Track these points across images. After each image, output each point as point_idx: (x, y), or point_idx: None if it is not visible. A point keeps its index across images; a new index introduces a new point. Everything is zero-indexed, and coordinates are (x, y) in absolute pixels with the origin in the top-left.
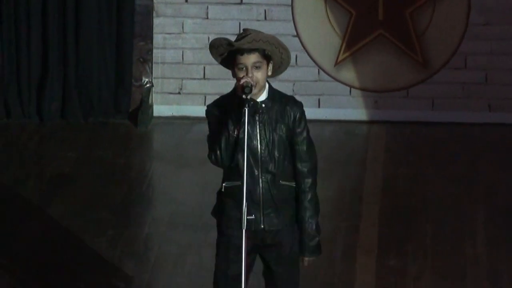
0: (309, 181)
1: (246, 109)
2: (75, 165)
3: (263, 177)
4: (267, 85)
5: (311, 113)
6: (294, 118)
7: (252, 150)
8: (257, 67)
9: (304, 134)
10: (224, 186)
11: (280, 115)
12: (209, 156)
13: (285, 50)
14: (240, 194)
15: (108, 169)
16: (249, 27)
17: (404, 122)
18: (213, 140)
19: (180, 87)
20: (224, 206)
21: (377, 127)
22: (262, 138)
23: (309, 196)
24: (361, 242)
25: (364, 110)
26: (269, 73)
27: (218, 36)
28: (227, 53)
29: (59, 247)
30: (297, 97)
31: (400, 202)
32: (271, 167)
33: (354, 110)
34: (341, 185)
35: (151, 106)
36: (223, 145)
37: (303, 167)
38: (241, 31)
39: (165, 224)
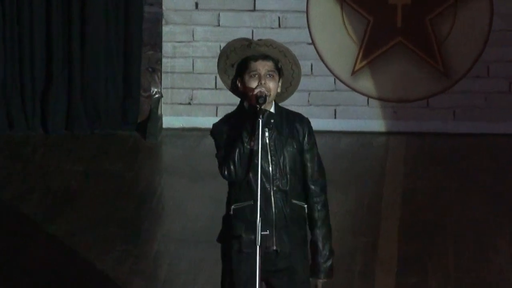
0: (321, 200)
1: (260, 120)
2: (81, 179)
3: (276, 195)
4: (273, 102)
5: (327, 124)
6: (304, 134)
7: (263, 166)
8: (270, 75)
9: (315, 151)
10: (233, 208)
11: (290, 131)
12: (222, 171)
13: (297, 68)
14: (252, 214)
15: (116, 183)
16: (262, 35)
17: (424, 133)
18: (225, 154)
19: (190, 98)
20: (235, 230)
21: (396, 138)
22: (273, 154)
23: (322, 217)
24: (380, 259)
25: (382, 121)
26: (278, 90)
27: None
28: (238, 64)
29: (65, 264)
30: (313, 108)
31: (420, 217)
32: (283, 184)
33: (372, 121)
34: (359, 199)
35: (160, 117)
36: (236, 157)
37: (315, 186)
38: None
39: (176, 241)
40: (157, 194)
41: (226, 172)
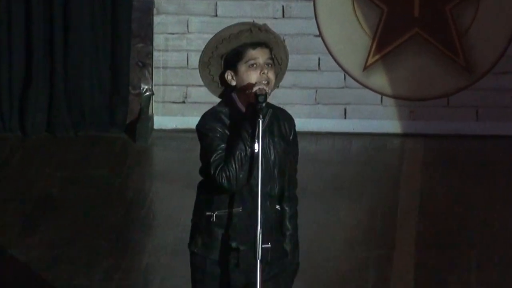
0: (295, 208)
1: (261, 121)
2: (63, 185)
3: (264, 201)
4: None
5: (336, 124)
6: (290, 133)
7: (252, 170)
8: (269, 64)
9: (297, 154)
10: (216, 215)
11: (278, 129)
12: (218, 179)
13: (286, 58)
14: (239, 222)
15: (102, 190)
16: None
17: (443, 135)
18: (219, 158)
19: (184, 96)
20: (216, 238)
21: (413, 141)
22: (262, 155)
23: (294, 226)
24: (395, 273)
25: (397, 122)
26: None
27: None
28: (225, 60)
29: (45, 280)
30: (320, 107)
31: (439, 227)
32: (271, 189)
33: (386, 122)
34: (372, 208)
35: (151, 118)
36: (238, 162)
37: (291, 191)
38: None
39: (168, 253)
40: (148, 202)
41: (224, 180)
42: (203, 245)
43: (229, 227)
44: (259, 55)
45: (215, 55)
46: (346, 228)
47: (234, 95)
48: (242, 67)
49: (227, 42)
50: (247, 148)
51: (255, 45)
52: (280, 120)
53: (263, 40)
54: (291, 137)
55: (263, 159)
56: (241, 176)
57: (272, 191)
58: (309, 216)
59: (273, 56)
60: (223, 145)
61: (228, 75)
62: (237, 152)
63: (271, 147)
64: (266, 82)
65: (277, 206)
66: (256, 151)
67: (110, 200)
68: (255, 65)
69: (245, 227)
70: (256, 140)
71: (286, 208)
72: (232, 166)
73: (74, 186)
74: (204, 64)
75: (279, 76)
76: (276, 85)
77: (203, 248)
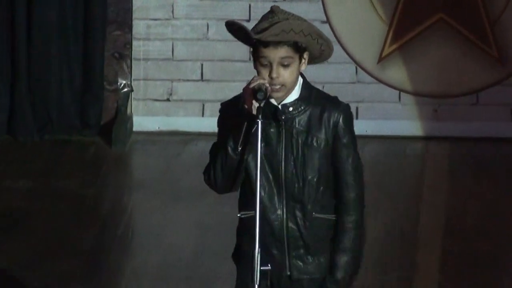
0: (355, 214)
1: (259, 122)
2: (28, 197)
3: (288, 207)
4: (300, 80)
5: None
6: (335, 125)
7: (273, 170)
8: (284, 65)
9: (351, 148)
10: (240, 217)
11: (317, 121)
12: (204, 178)
13: (325, 41)
14: (254, 225)
15: (72, 204)
16: (262, 11)
17: (473, 138)
18: (213, 154)
19: (169, 92)
20: (241, 243)
21: (437, 145)
22: (288, 153)
23: (352, 235)
24: None
25: (418, 122)
26: (303, 68)
27: (220, 22)
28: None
29: None
30: None
31: (468, 246)
32: (299, 193)
33: (405, 123)
34: (390, 223)
35: (130, 118)
36: (218, 165)
37: (348, 195)
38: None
39: (150, 277)
40: (126, 218)
41: (206, 180)
42: (235, 255)
43: (251, 232)
44: (270, 54)
45: (241, 37)
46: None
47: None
48: (256, 59)
49: (241, 33)
50: (229, 153)
51: (266, 42)
52: (322, 108)
53: (276, 40)
54: (337, 129)
55: (279, 154)
56: (219, 181)
57: (299, 195)
58: None
59: (300, 45)
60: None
61: (251, 56)
62: (219, 155)
63: (300, 143)
64: (279, 86)
65: (318, 214)
66: (247, 156)
67: (82, 216)
68: (266, 64)
69: (266, 234)
70: (253, 146)
71: (340, 219)
72: (212, 168)
73: (40, 199)
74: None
75: (323, 56)
76: (319, 62)
77: (236, 257)
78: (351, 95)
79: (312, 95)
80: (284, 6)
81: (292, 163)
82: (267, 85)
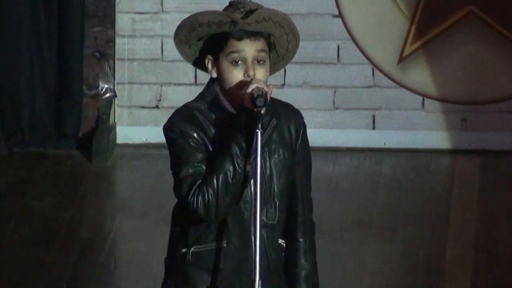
0: (312, 238)
1: (259, 132)
2: None
3: (256, 234)
4: None
5: (362, 137)
6: (298, 137)
7: (242, 193)
8: (260, 61)
9: (309, 160)
10: (193, 252)
11: (282, 132)
12: (192, 200)
13: (294, 38)
14: (225, 261)
15: (46, 228)
16: (267, 3)
17: (507, 151)
18: (195, 175)
19: (158, 98)
20: (193, 284)
21: (466, 159)
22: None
23: (311, 263)
24: None
25: (445, 133)
26: (270, 72)
27: None
28: (206, 38)
29: None
30: (340, 113)
31: (503, 277)
32: (269, 216)
33: (430, 133)
34: (411, 249)
35: (113, 128)
36: (222, 185)
37: (306, 213)
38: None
39: None
40: (109, 244)
41: (200, 205)
42: None
43: (211, 268)
44: (247, 48)
45: (193, 35)
46: (375, 277)
47: (218, 89)
48: (223, 60)
49: (207, 27)
50: (237, 168)
51: (241, 35)
52: (282, 117)
53: (255, 30)
54: (298, 142)
55: (261, 177)
56: (223, 204)
57: (269, 219)
58: (326, 261)
59: (272, 41)
60: (199, 155)
61: (208, 62)
62: (222, 173)
63: (267, 158)
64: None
65: (280, 240)
66: (249, 173)
67: (57, 242)
68: (238, 62)
69: (232, 268)
70: (252, 158)
71: (300, 240)
72: (213, 189)
73: (8, 221)
74: (180, 41)
75: (286, 57)
76: (280, 68)
77: None
78: (366, 101)
79: (272, 104)
80: None
81: (262, 182)
82: (266, 89)
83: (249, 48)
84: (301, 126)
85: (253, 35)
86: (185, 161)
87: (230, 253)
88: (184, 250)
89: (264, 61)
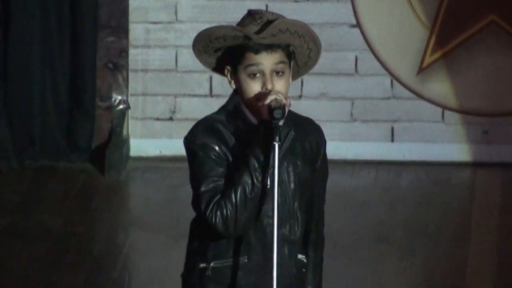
0: (321, 252)
1: (276, 144)
2: (3, 237)
3: (281, 248)
4: None
5: (380, 150)
6: (319, 153)
7: (264, 206)
8: (278, 72)
9: (327, 176)
10: (212, 267)
11: (303, 147)
12: (210, 215)
13: (315, 45)
14: (245, 277)
15: (57, 243)
16: (280, 12)
17: None
18: (214, 190)
19: (172, 110)
20: None
21: (488, 172)
22: (279, 184)
23: (319, 276)
24: None
25: (465, 146)
26: (291, 81)
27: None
28: (225, 49)
29: None
30: (358, 125)
31: None
32: (290, 231)
33: (450, 146)
34: (431, 265)
35: (127, 141)
36: (240, 200)
37: (320, 230)
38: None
39: None
40: (122, 259)
41: (218, 220)
42: None
43: (230, 284)
44: (265, 61)
45: (211, 47)
46: None
47: (240, 100)
48: (241, 72)
49: (222, 40)
50: (255, 182)
51: (258, 48)
52: (303, 133)
53: (273, 42)
54: (319, 158)
55: (279, 191)
56: (242, 218)
57: (292, 234)
58: (341, 278)
59: (291, 50)
60: (220, 169)
61: (228, 73)
62: (240, 186)
63: (291, 173)
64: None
65: (300, 255)
66: (267, 186)
67: (69, 259)
68: (256, 75)
69: (252, 285)
70: (270, 171)
71: (310, 255)
72: (231, 203)
73: (19, 238)
74: (199, 51)
75: (309, 63)
76: (302, 74)
77: None
78: (385, 113)
79: (291, 117)
80: (307, 7)
81: (284, 197)
82: (284, 101)
83: (267, 61)
84: (323, 142)
85: (270, 47)
86: (205, 175)
87: (250, 269)
88: (203, 265)
89: (283, 73)
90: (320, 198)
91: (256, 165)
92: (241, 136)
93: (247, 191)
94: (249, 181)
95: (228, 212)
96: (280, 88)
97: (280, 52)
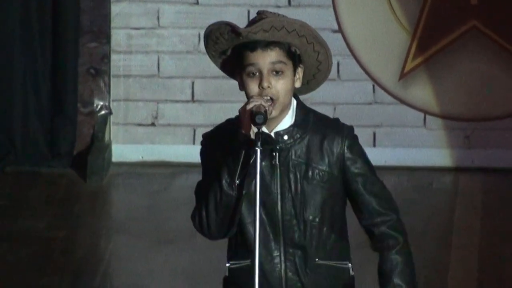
0: (397, 240)
1: (258, 150)
2: None
3: (286, 255)
4: (294, 102)
5: None
6: (341, 154)
7: (268, 211)
8: (277, 71)
9: (366, 175)
10: (229, 267)
11: (318, 151)
12: (192, 221)
13: (323, 47)
14: (252, 279)
15: (40, 248)
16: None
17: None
18: (202, 194)
19: (154, 115)
20: None
21: (469, 177)
22: (284, 190)
23: (402, 264)
24: None
25: (447, 150)
26: (297, 84)
27: None
28: (231, 50)
29: None
30: None
31: None
32: (299, 237)
33: (431, 151)
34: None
35: (109, 146)
36: (211, 205)
37: (379, 226)
38: (253, 16)
39: None
40: (104, 265)
41: (196, 225)
42: None
43: (242, 285)
44: (259, 59)
45: (218, 49)
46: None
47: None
48: (243, 73)
49: (223, 40)
50: (224, 188)
51: (254, 45)
52: (322, 134)
53: (266, 40)
54: (344, 158)
55: (274, 192)
56: (214, 223)
57: (300, 239)
58: None
59: (294, 51)
60: (212, 175)
61: (237, 76)
62: (211, 193)
63: (298, 178)
64: (268, 97)
65: (321, 261)
66: (234, 194)
67: (52, 263)
68: (255, 74)
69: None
70: (251, 177)
71: (386, 250)
72: (204, 209)
73: (1, 242)
74: (211, 55)
75: (321, 67)
76: (323, 78)
77: None
78: (367, 118)
79: (309, 119)
80: (290, 12)
81: (290, 202)
82: (266, 106)
83: (263, 59)
84: (344, 144)
85: (266, 45)
86: (201, 180)
87: (259, 272)
88: (227, 264)
89: (282, 72)
90: (371, 195)
91: (226, 175)
92: (234, 143)
93: (217, 198)
94: (218, 188)
95: (202, 217)
96: (279, 88)
97: (277, 50)
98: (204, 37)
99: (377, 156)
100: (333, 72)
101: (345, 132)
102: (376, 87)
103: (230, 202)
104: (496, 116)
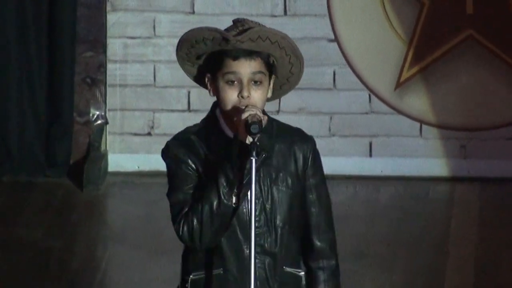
0: (332, 263)
1: (253, 160)
2: None
3: (257, 261)
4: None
5: (359, 164)
6: (306, 163)
7: (239, 217)
8: (256, 81)
9: (323, 189)
10: (192, 279)
11: (286, 157)
12: (178, 228)
13: (297, 59)
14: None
15: (36, 257)
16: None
17: (507, 179)
18: (184, 202)
19: (151, 125)
20: None
21: (465, 187)
22: (256, 197)
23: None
24: None
25: (443, 160)
26: (269, 94)
27: None
28: (206, 57)
29: None
30: (336, 140)
31: None
32: (270, 244)
33: (428, 160)
34: (410, 279)
35: (105, 156)
36: (205, 216)
37: (321, 242)
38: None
39: None
40: (100, 274)
41: (185, 234)
42: None
43: None
44: (242, 69)
45: (193, 52)
46: None
47: (219, 112)
48: (219, 80)
49: (203, 44)
50: (223, 199)
51: (237, 54)
52: (288, 143)
53: (251, 49)
54: (308, 168)
55: (259, 206)
56: (209, 233)
57: (271, 247)
58: None
59: (272, 62)
60: (191, 182)
61: (208, 81)
62: (208, 202)
63: (269, 185)
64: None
65: (289, 268)
66: (235, 205)
67: (48, 272)
68: (234, 82)
69: None
70: (245, 186)
71: (315, 269)
72: (197, 218)
73: None
74: (182, 59)
75: (291, 79)
76: (287, 91)
77: None
78: (363, 128)
79: (273, 127)
80: (285, 22)
81: (261, 209)
82: (261, 116)
83: (245, 69)
84: (310, 152)
85: (249, 55)
86: (176, 187)
87: (226, 281)
88: (186, 277)
89: (261, 82)
90: (320, 208)
91: (225, 183)
92: (215, 148)
93: (214, 208)
94: (216, 198)
95: (194, 226)
96: (257, 98)
97: (259, 61)
98: (180, 40)
99: (373, 165)
100: (329, 82)
101: (312, 142)
102: (372, 96)
103: (228, 211)
104: (492, 125)
